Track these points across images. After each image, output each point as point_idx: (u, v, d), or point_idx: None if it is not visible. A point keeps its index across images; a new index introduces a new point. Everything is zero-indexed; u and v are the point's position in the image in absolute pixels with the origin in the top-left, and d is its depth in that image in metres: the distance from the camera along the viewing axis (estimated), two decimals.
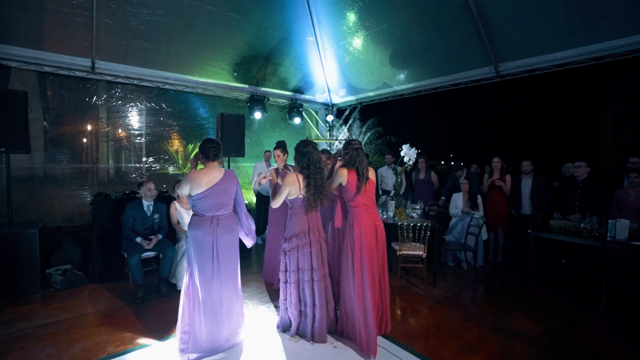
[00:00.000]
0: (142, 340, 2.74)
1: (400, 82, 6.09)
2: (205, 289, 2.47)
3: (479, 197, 4.78)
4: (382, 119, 8.32)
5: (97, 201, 4.08)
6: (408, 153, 4.61)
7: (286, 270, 2.69)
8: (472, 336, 2.88)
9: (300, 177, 2.65)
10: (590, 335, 2.89)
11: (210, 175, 2.49)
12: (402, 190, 5.84)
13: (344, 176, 2.70)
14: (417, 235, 3.85)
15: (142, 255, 3.61)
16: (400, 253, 3.88)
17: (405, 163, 4.75)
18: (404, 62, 5.63)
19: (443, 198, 5.56)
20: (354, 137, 9.97)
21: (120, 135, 5.45)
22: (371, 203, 2.75)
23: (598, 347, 2.70)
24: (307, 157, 2.64)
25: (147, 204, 3.77)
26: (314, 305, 2.66)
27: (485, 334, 2.93)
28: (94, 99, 4.95)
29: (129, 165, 5.63)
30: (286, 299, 2.73)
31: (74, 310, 3.29)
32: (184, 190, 2.47)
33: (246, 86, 6.20)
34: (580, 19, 3.69)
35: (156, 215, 3.81)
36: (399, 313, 3.35)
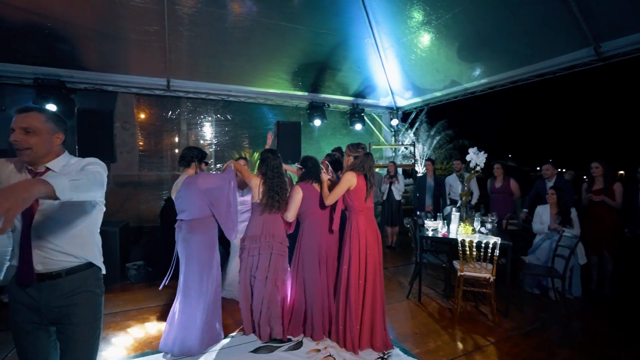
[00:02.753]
0: (154, 347, 2.81)
1: (471, 79, 5.38)
2: (180, 293, 2.76)
3: (573, 211, 3.84)
4: (453, 121, 7.49)
5: (164, 204, 4.52)
6: (475, 158, 4.01)
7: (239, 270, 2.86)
8: None
9: (261, 181, 2.75)
10: None
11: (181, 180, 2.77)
12: (473, 200, 5.11)
13: (353, 180, 2.61)
14: (483, 254, 3.25)
15: None
16: (462, 274, 3.32)
17: (472, 169, 4.14)
18: (474, 55, 4.94)
19: (525, 210, 4.66)
20: (420, 142, 9.25)
21: (194, 145, 6.01)
22: (372, 210, 2.75)
23: None
24: (266, 163, 2.76)
25: None
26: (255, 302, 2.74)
27: None
28: (169, 113, 5.57)
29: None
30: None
31: (127, 304, 3.61)
32: (173, 192, 2.79)
33: (305, 94, 6.24)
34: None
35: None
36: (460, 347, 2.84)
